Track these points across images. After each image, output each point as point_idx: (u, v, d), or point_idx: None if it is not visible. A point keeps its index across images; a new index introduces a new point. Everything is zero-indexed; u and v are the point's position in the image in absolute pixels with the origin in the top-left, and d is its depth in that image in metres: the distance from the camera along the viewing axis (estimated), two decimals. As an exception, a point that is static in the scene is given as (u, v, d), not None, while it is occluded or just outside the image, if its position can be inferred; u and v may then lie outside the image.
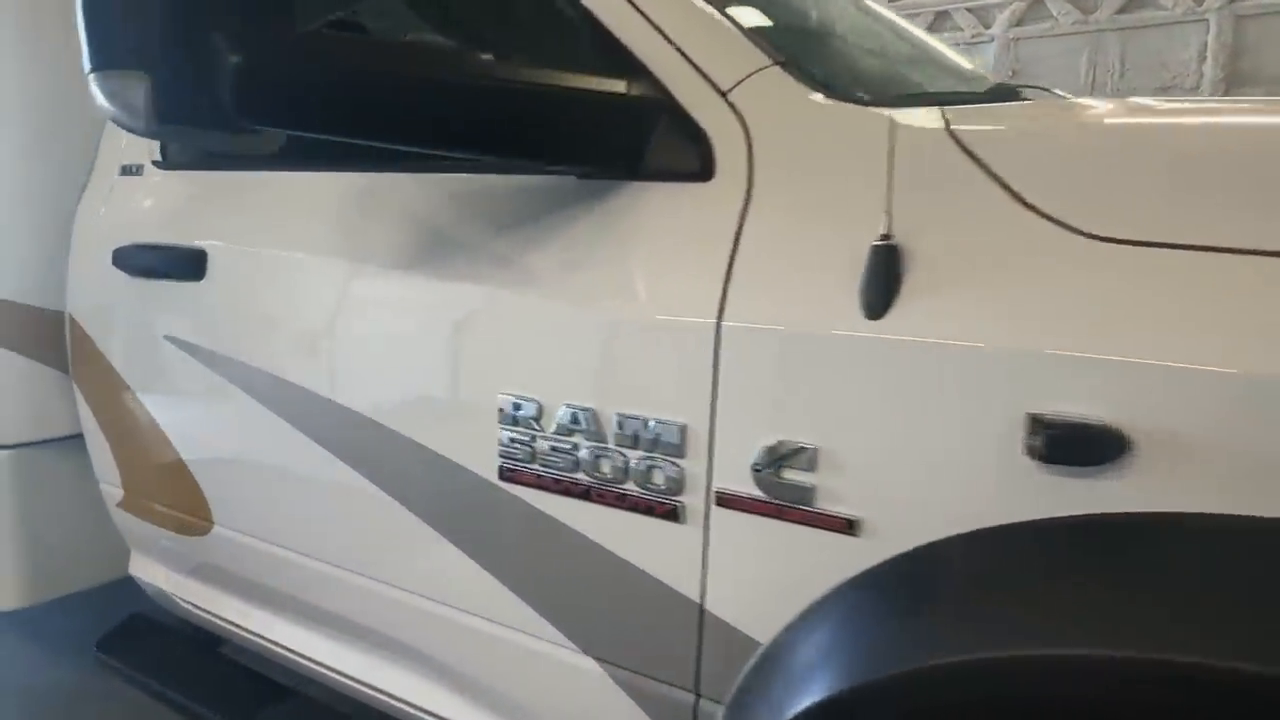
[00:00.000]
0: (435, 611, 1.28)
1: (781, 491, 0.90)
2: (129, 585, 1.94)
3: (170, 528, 1.67)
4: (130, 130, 0.87)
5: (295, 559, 1.46)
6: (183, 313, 1.51)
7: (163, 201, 1.61)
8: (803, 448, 0.88)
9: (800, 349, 0.88)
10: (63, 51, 1.74)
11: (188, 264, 1.49)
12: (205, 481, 1.56)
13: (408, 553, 1.29)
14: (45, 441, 1.81)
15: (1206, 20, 5.42)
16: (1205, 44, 5.43)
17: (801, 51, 1.12)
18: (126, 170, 1.68)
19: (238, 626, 1.66)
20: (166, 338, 1.54)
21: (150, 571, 1.83)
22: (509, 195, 1.16)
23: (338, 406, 1.30)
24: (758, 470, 0.91)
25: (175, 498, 1.64)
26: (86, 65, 0.85)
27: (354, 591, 1.39)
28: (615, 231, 1.04)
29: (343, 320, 1.30)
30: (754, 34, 1.07)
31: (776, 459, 0.90)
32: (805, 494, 0.89)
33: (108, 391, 1.70)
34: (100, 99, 0.85)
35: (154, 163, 1.64)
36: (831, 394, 0.87)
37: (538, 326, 1.08)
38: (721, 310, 0.94)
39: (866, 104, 1.00)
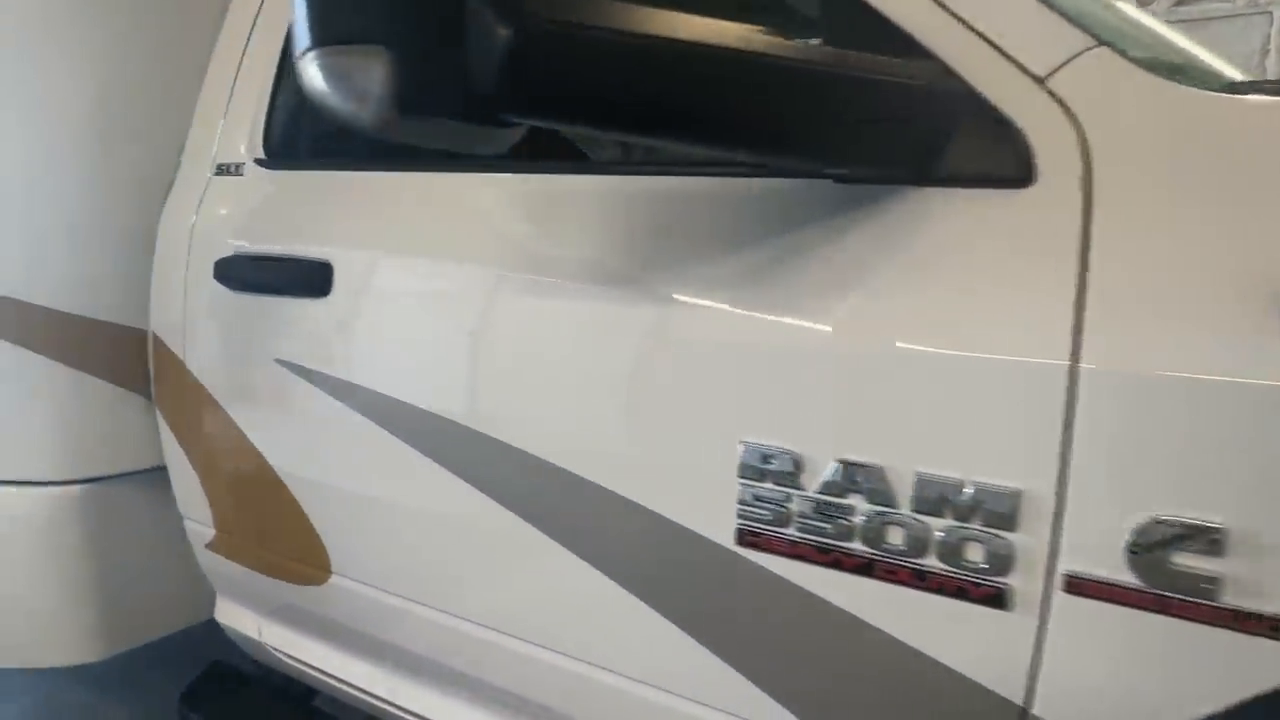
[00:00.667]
0: (625, 689, 1.09)
1: (1170, 580, 0.71)
2: (205, 627, 1.75)
3: (274, 574, 1.48)
4: (353, 123, 0.68)
5: (437, 618, 1.26)
6: (300, 333, 1.31)
7: (272, 205, 1.41)
8: (1208, 527, 0.70)
9: (1206, 401, 0.70)
10: (131, 35, 1.54)
11: (309, 278, 1.29)
12: (324, 526, 1.36)
13: (591, 619, 1.10)
14: (123, 475, 1.61)
15: (1270, 13, 5.26)
16: (1269, 36, 5.28)
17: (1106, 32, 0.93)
18: (223, 169, 1.48)
19: (350, 685, 1.46)
20: (279, 361, 1.35)
21: (240, 619, 1.63)
22: (744, 201, 0.97)
23: (504, 446, 1.11)
24: (1136, 552, 0.73)
25: (283, 541, 1.44)
26: (304, 42, 0.66)
27: (512, 659, 1.20)
28: (903, 248, 0.85)
29: (515, 345, 1.10)
30: (1063, 9, 0.88)
31: (1165, 540, 0.71)
32: (1206, 585, 0.70)
33: (199, 419, 1.50)
34: (318, 83, 0.66)
35: (257, 160, 1.44)
36: (1255, 461, 0.68)
37: (798, 361, 0.89)
38: (1076, 349, 0.75)
39: (1213, 90, 0.82)
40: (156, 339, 1.55)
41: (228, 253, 1.40)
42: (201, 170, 1.51)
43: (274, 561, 1.47)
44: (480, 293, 1.13)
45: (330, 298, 1.27)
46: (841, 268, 0.88)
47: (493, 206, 1.17)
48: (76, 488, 1.58)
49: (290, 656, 1.57)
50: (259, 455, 1.42)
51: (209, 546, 1.59)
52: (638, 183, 1.04)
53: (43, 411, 1.54)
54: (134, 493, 1.64)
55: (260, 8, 1.51)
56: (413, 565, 1.29)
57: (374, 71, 0.64)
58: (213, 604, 1.71)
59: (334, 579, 1.38)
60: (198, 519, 1.58)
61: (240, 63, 1.50)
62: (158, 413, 1.58)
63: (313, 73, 0.66)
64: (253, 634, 1.62)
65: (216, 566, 1.60)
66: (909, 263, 0.85)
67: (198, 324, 1.47)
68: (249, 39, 1.51)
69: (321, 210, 1.33)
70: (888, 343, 0.84)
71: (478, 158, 1.18)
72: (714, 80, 0.70)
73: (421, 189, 1.24)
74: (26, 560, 1.57)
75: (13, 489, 1.57)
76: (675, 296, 0.97)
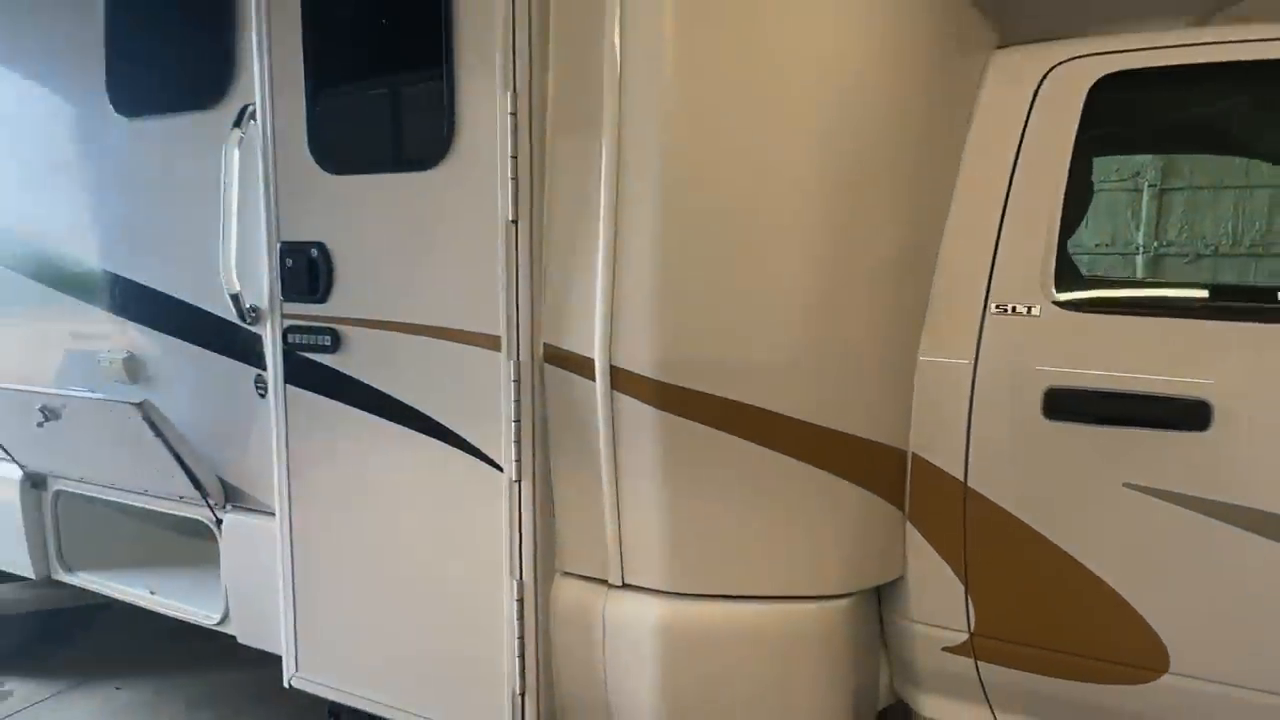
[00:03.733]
0: None
1: None
2: None
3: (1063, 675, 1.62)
4: None
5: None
6: (1168, 460, 1.49)
7: (1101, 348, 1.59)
8: None
9: None
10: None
11: (1183, 414, 1.48)
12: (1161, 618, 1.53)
13: None
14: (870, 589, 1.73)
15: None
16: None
17: None
18: (1003, 309, 1.65)
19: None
20: (1129, 485, 1.52)
21: (962, 715, 1.76)
22: None
23: None
24: None
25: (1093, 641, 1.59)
26: None
27: None
28: None
29: None
30: None
31: None
32: None
33: (986, 533, 1.64)
34: None
35: (1055, 303, 1.61)
36: None
37: None
38: None
39: None
40: (920, 459, 1.69)
41: (1048, 387, 1.57)
42: (971, 308, 1.68)
43: (1065, 662, 1.62)
44: None
45: (1211, 431, 1.46)
46: None
47: None
48: (843, 602, 1.70)
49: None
50: (1081, 566, 1.57)
51: (950, 649, 1.72)
52: None
53: (819, 525, 1.66)
54: (866, 604, 1.77)
55: (1023, 139, 1.68)
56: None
57: None
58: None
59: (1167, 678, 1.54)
60: (943, 624, 1.71)
61: (1006, 201, 1.67)
62: (908, 525, 1.72)
63: None
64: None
65: (951, 666, 1.73)
66: None
67: (994, 449, 1.62)
68: (1014, 168, 1.68)
69: (1189, 354, 1.52)
70: None
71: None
72: None
73: None
74: (805, 674, 1.67)
75: (781, 606, 1.68)
76: None
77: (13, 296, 2.55)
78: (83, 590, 2.71)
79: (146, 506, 2.48)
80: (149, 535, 2.75)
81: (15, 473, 2.66)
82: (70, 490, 2.63)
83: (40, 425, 2.33)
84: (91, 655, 3.17)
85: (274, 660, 2.18)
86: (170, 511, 2.41)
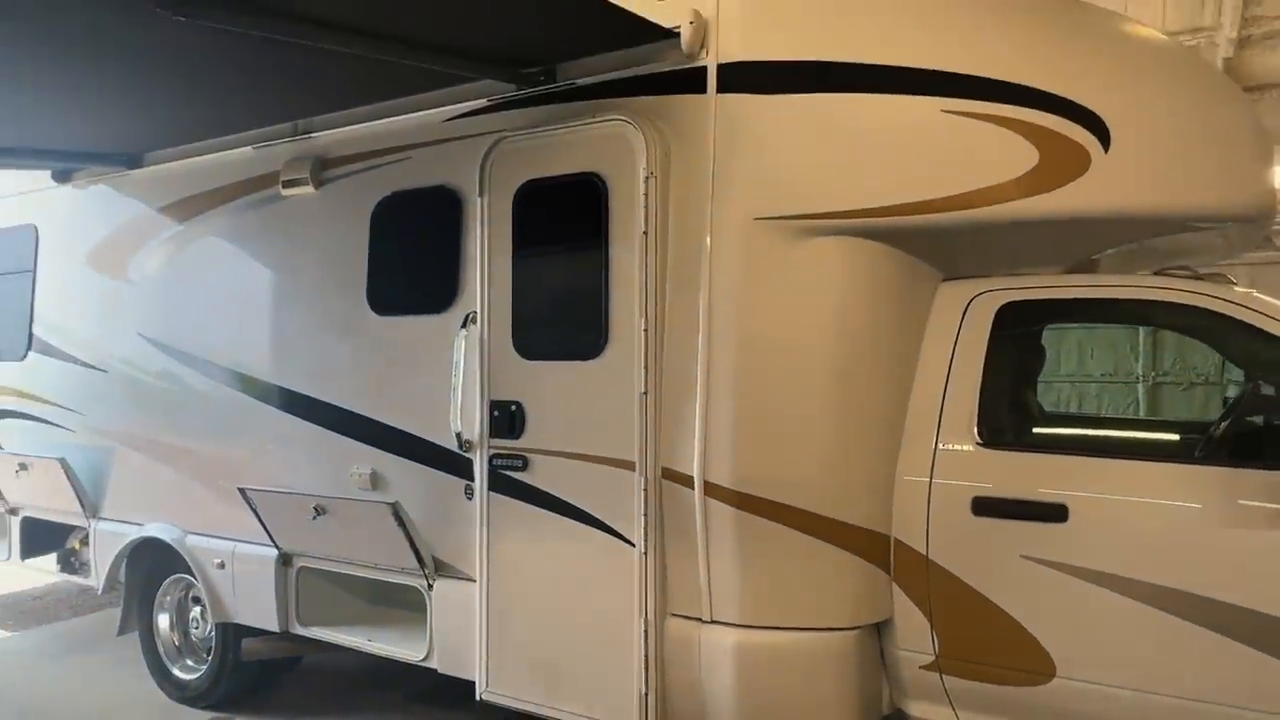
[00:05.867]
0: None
1: None
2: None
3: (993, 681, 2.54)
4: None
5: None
6: (1041, 540, 2.45)
7: (1004, 472, 2.58)
8: None
9: None
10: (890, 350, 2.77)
11: (1048, 513, 2.44)
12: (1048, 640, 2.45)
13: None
14: (867, 625, 2.70)
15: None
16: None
17: None
18: (947, 446, 2.66)
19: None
20: (1024, 556, 2.47)
21: (936, 714, 2.67)
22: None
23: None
24: None
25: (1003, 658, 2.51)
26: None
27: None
28: None
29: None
30: None
31: None
32: None
33: (939, 587, 2.60)
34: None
35: (978, 443, 2.62)
36: None
37: None
38: None
39: None
40: (899, 540, 2.67)
41: (974, 496, 2.55)
42: (927, 445, 2.68)
43: (994, 673, 2.53)
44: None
45: (1068, 524, 2.42)
46: None
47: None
48: (854, 632, 2.65)
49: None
50: (995, 607, 2.51)
51: (924, 667, 2.64)
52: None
53: (836, 581, 2.64)
54: (870, 636, 2.72)
55: (957, 342, 2.72)
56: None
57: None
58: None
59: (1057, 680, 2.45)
60: (919, 649, 2.64)
61: (947, 379, 2.69)
62: (893, 583, 2.68)
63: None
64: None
65: (926, 680, 2.64)
66: None
67: (944, 534, 2.59)
68: (952, 360, 2.71)
69: (1061, 471, 2.50)
70: None
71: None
72: None
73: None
74: (830, 682, 2.62)
75: (815, 634, 2.64)
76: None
77: (296, 434, 3.72)
78: (311, 640, 3.75)
79: (373, 576, 3.54)
80: (359, 600, 3.81)
81: (271, 553, 3.77)
82: (311, 565, 3.71)
83: (313, 519, 3.43)
84: (301, 695, 4.24)
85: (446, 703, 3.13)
86: (393, 580, 3.47)
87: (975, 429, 2.65)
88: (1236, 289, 2.57)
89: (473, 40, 2.93)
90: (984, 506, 2.58)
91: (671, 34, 2.73)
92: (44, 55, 2.84)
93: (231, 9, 2.33)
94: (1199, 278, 2.65)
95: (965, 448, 2.66)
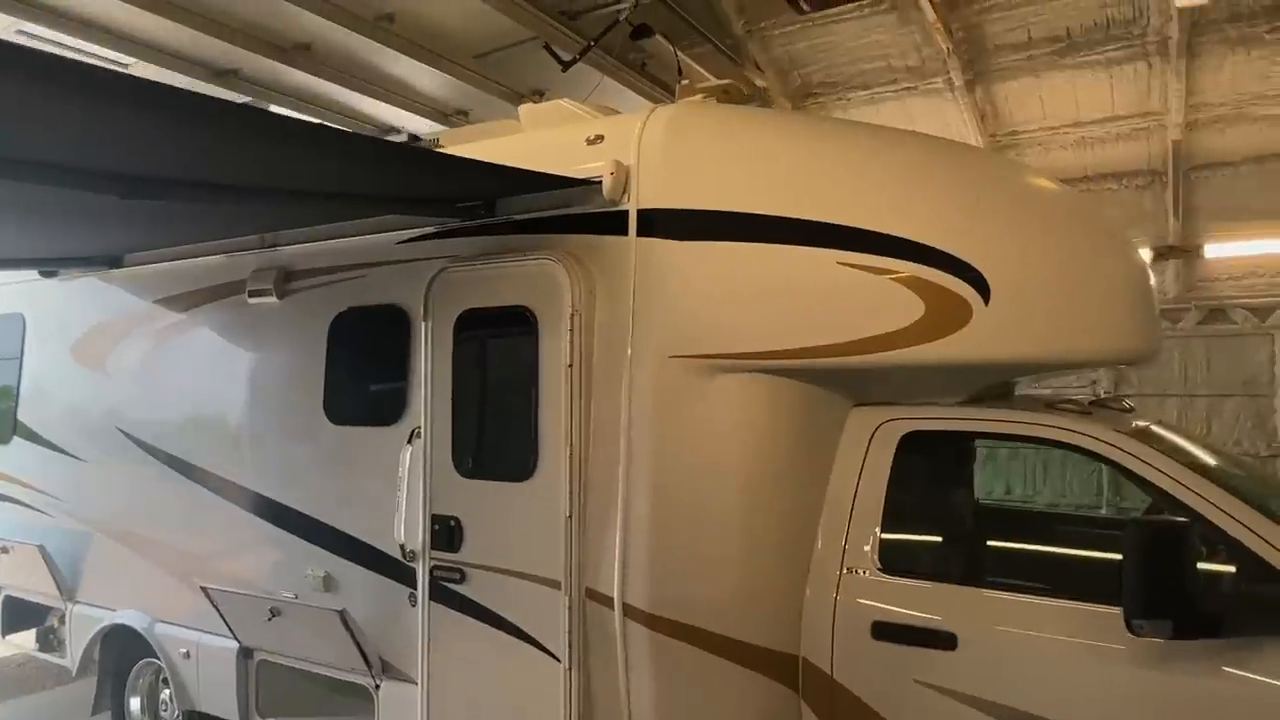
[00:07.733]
0: None
1: None
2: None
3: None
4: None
5: None
6: (937, 666, 2.61)
7: (901, 597, 2.74)
8: None
9: None
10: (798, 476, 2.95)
11: (940, 639, 2.60)
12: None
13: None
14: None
15: (1271, 335, 7.00)
16: (1273, 353, 6.98)
17: None
18: (851, 570, 2.82)
19: None
20: (917, 680, 2.63)
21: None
22: None
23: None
24: None
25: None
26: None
27: None
28: None
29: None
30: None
31: None
32: None
33: (843, 706, 2.75)
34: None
35: (879, 569, 2.78)
36: None
37: None
38: None
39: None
40: (806, 660, 2.82)
41: (873, 620, 2.71)
42: (832, 571, 2.84)
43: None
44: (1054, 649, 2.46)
45: (957, 652, 2.58)
46: None
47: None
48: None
49: None
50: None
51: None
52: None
53: (747, 698, 2.79)
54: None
55: (863, 467, 2.89)
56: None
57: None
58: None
59: None
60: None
61: (852, 506, 2.86)
62: (801, 701, 2.83)
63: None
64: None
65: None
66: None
67: (846, 655, 2.75)
68: (858, 484, 2.87)
69: (953, 600, 2.66)
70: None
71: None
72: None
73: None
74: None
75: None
76: None
77: (256, 533, 3.90)
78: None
79: (325, 674, 3.70)
80: (318, 692, 3.97)
81: (234, 645, 3.93)
82: (269, 659, 3.87)
83: (268, 620, 3.61)
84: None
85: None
86: (341, 678, 3.63)
87: (876, 554, 2.82)
88: (1124, 428, 2.73)
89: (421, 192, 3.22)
90: (882, 631, 2.74)
91: (593, 183, 2.96)
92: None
93: (182, 197, 2.58)
94: (1087, 413, 2.83)
95: (866, 572, 2.82)
